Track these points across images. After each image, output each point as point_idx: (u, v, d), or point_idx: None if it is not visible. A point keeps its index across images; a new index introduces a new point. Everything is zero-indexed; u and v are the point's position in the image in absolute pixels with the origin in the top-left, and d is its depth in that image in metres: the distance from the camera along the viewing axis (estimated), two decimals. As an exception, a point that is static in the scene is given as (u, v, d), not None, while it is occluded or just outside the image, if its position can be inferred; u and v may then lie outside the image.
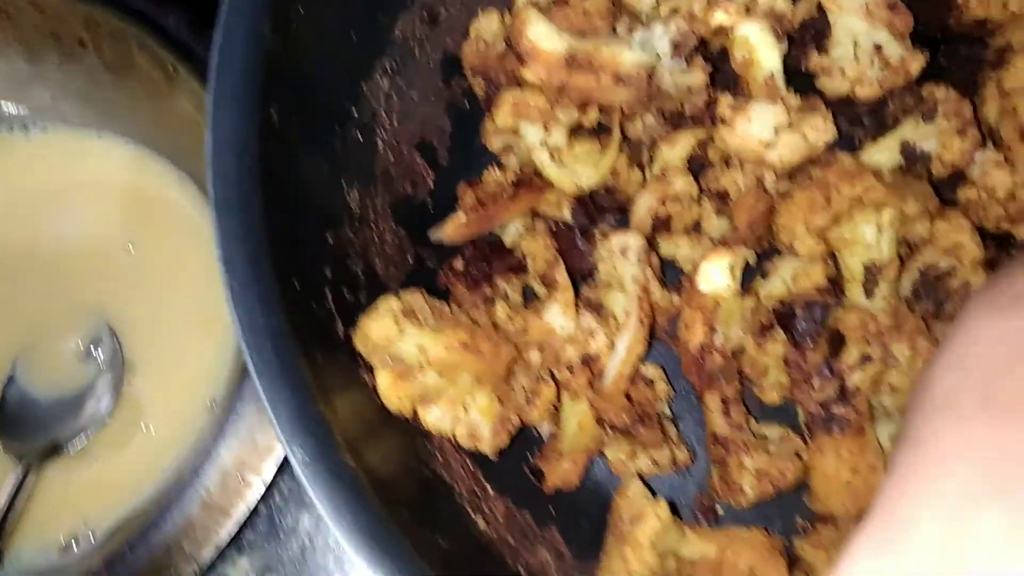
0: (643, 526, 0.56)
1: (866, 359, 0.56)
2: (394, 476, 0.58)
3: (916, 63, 0.64)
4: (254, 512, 0.88)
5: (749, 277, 0.67)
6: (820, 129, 0.61)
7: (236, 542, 0.88)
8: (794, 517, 0.66)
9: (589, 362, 0.63)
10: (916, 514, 0.21)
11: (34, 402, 0.86)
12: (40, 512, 0.83)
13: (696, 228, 0.68)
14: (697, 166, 0.69)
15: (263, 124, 0.54)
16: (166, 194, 0.88)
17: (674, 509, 0.68)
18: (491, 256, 0.68)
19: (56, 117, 0.91)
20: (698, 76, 0.63)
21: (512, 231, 0.70)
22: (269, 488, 0.88)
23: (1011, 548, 0.19)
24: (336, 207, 0.63)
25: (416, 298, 0.60)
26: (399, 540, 0.48)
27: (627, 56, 0.61)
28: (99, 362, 0.85)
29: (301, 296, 0.55)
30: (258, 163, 0.53)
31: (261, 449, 0.67)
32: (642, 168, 0.69)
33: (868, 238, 0.59)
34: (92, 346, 0.86)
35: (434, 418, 0.60)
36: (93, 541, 0.81)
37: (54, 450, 0.83)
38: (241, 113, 0.53)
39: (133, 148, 0.89)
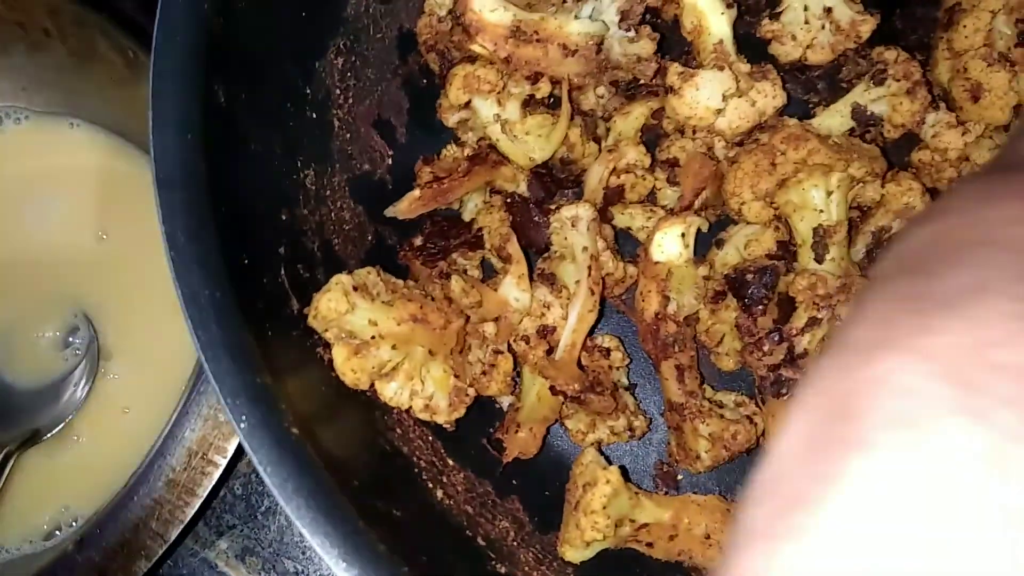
0: (595, 491, 0.56)
1: (814, 321, 0.56)
2: (351, 449, 0.58)
3: (866, 25, 0.63)
4: (232, 495, 0.89)
5: (706, 248, 0.67)
6: (769, 95, 0.61)
7: (215, 525, 0.89)
8: (755, 484, 0.66)
9: (546, 334, 0.63)
10: (854, 332, 0.29)
11: (13, 391, 0.87)
12: (22, 500, 0.83)
13: (651, 198, 0.68)
14: (654, 137, 0.69)
15: (207, 101, 0.54)
16: (137, 181, 0.89)
17: (636, 477, 0.68)
18: (449, 232, 0.68)
19: (29, 109, 0.91)
20: (646, 45, 0.63)
21: (472, 207, 0.71)
22: (246, 472, 0.90)
23: (915, 330, 0.27)
24: (290, 185, 0.63)
25: (368, 274, 0.60)
26: (344, 506, 0.48)
27: (574, 26, 0.61)
28: (76, 350, 0.86)
29: (250, 271, 0.55)
30: (202, 139, 0.53)
31: (225, 430, 0.67)
32: (598, 141, 0.69)
33: (816, 202, 0.59)
34: (69, 335, 0.87)
35: (391, 391, 0.60)
36: (76, 526, 0.82)
37: (33, 438, 0.84)
38: (183, 90, 0.53)
39: (104, 136, 0.90)
